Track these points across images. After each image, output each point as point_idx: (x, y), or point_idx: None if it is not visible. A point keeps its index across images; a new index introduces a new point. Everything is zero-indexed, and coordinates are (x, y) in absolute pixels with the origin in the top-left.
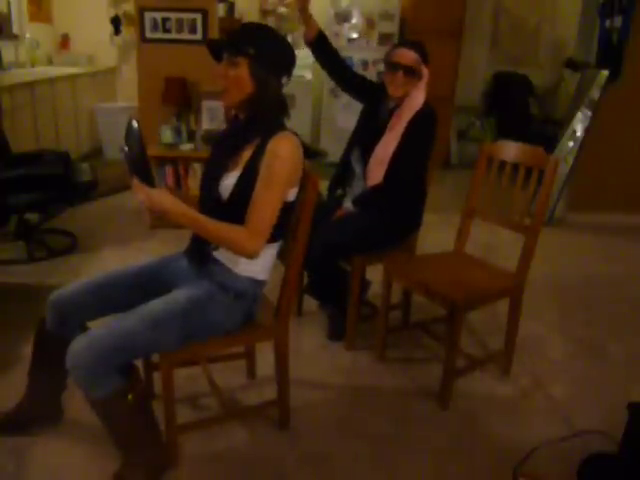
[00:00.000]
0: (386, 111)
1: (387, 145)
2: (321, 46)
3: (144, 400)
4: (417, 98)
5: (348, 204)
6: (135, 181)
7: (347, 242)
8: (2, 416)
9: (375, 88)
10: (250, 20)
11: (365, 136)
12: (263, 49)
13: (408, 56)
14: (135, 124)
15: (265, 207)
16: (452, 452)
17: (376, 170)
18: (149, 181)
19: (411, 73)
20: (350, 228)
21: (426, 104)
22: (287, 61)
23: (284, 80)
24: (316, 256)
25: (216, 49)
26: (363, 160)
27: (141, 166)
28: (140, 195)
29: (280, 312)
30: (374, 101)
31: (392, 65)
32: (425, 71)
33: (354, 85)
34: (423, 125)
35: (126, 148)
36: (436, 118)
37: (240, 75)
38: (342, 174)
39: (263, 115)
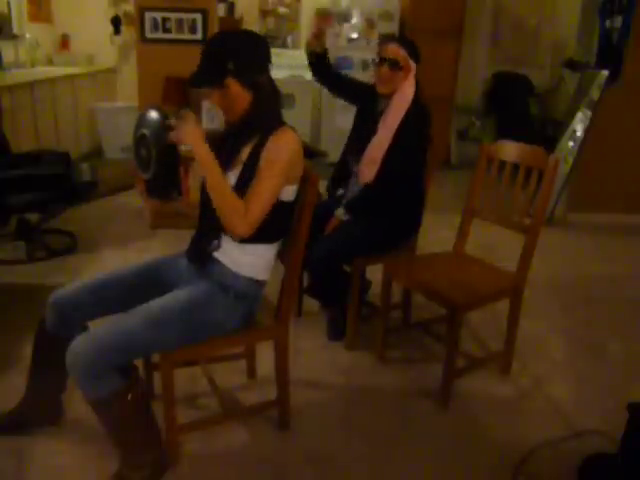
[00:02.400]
0: (378, 111)
1: (379, 143)
2: (322, 62)
3: (144, 400)
4: (406, 93)
5: (340, 212)
6: (181, 115)
7: (346, 253)
8: (2, 416)
9: (367, 89)
10: (250, 21)
11: (359, 137)
12: (241, 57)
13: (393, 50)
14: (154, 114)
15: (264, 191)
16: (452, 452)
17: (367, 169)
18: (175, 166)
19: (396, 66)
20: (346, 239)
21: (419, 102)
22: (265, 52)
23: (270, 68)
24: (317, 262)
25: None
26: (358, 163)
27: (166, 149)
28: (186, 126)
29: (280, 312)
30: (367, 102)
31: (378, 61)
32: (412, 66)
33: (348, 90)
34: (415, 124)
35: (145, 131)
36: (429, 116)
37: (234, 93)
38: (340, 175)
39: (263, 112)
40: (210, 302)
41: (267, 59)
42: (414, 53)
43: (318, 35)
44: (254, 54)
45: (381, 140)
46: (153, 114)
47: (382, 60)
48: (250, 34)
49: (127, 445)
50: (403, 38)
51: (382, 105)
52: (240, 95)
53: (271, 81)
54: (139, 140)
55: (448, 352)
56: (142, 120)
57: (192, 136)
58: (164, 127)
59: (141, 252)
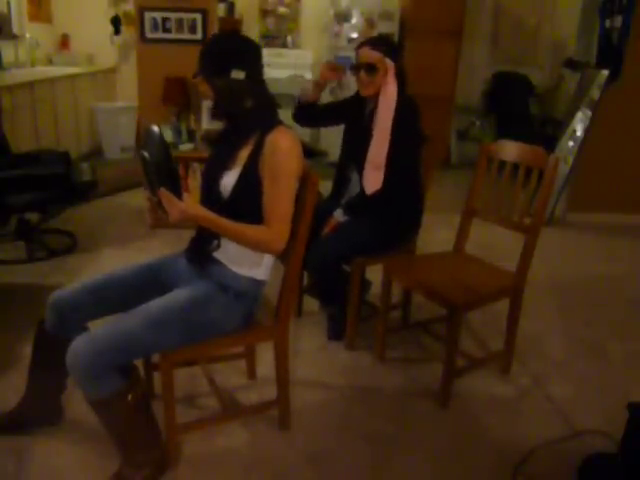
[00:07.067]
0: (368, 115)
1: (379, 148)
2: (308, 110)
3: (144, 400)
4: (389, 91)
5: (338, 213)
6: (165, 194)
7: (345, 254)
8: (2, 416)
9: (348, 103)
10: (250, 20)
11: (354, 143)
12: (206, 59)
13: (366, 54)
14: (156, 129)
15: (278, 203)
16: (452, 452)
17: (373, 177)
18: (175, 187)
19: (372, 70)
20: (346, 239)
21: (404, 96)
22: (240, 53)
23: (246, 73)
24: (317, 262)
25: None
26: (357, 168)
27: (167, 173)
28: (174, 211)
29: (280, 312)
30: (354, 112)
31: (354, 68)
32: (390, 64)
33: (330, 119)
34: (406, 120)
35: (146, 154)
36: (418, 108)
37: (204, 87)
38: (339, 182)
39: (244, 115)
40: (210, 302)
41: (238, 64)
42: (390, 51)
43: (321, 86)
44: (219, 57)
45: (379, 143)
46: (153, 133)
47: (358, 66)
48: (231, 38)
49: (127, 445)
50: (375, 39)
51: (370, 107)
52: (207, 93)
53: (244, 85)
54: (142, 162)
55: (448, 352)
56: (145, 139)
57: (185, 213)
58: (163, 147)
59: (141, 252)
